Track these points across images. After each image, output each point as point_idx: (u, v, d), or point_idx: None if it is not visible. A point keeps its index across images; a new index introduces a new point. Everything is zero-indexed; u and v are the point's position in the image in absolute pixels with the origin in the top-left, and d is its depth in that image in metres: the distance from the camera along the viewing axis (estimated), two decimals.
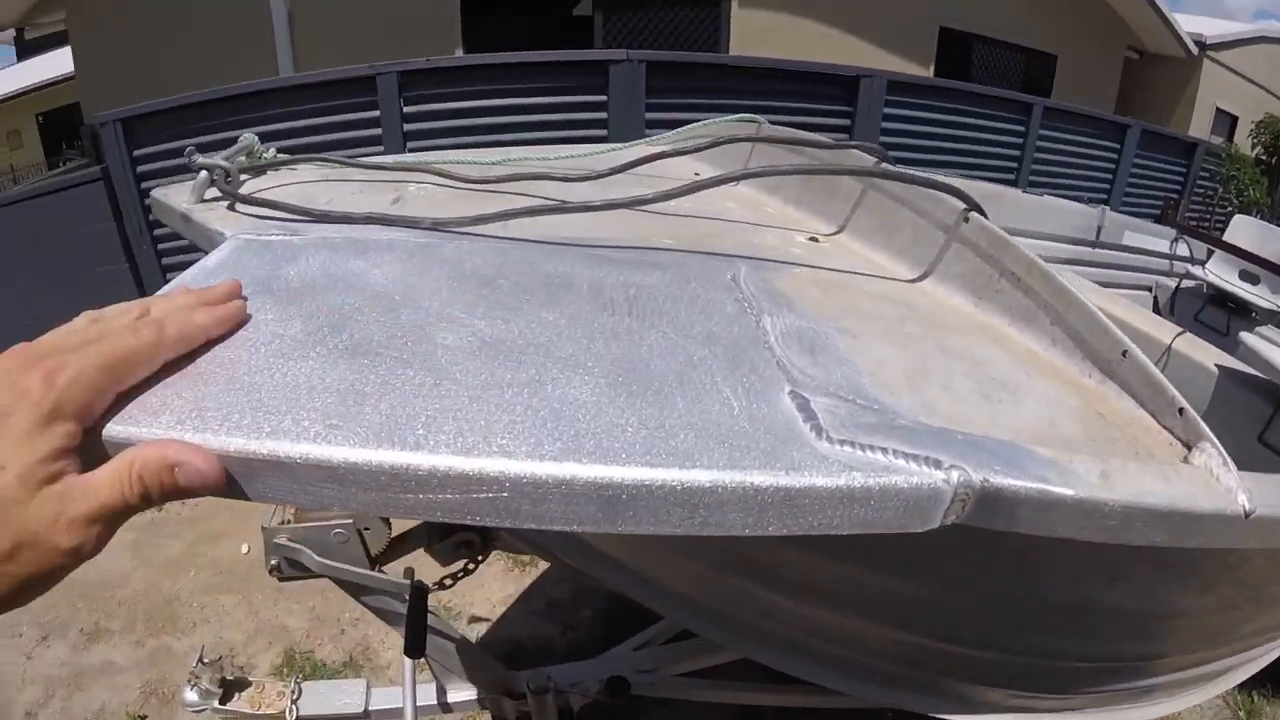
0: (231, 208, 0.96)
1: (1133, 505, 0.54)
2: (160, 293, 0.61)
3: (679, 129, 1.47)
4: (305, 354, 0.54)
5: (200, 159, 1.03)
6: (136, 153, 3.95)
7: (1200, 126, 10.16)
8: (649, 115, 3.90)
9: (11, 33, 10.47)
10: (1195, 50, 9.67)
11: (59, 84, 15.77)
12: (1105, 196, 5.36)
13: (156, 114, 3.92)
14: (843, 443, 0.47)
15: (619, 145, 1.39)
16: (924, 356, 0.67)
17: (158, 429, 0.46)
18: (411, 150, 3.79)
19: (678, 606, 1.21)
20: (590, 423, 0.47)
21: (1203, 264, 3.51)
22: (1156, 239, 3.79)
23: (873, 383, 0.57)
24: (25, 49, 17.38)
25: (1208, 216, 6.88)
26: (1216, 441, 0.64)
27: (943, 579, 0.79)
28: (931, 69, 7.35)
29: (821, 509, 0.44)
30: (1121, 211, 4.97)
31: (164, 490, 0.46)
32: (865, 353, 0.63)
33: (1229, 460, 0.63)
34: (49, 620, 2.95)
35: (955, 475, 0.47)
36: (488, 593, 2.96)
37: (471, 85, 3.85)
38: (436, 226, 0.84)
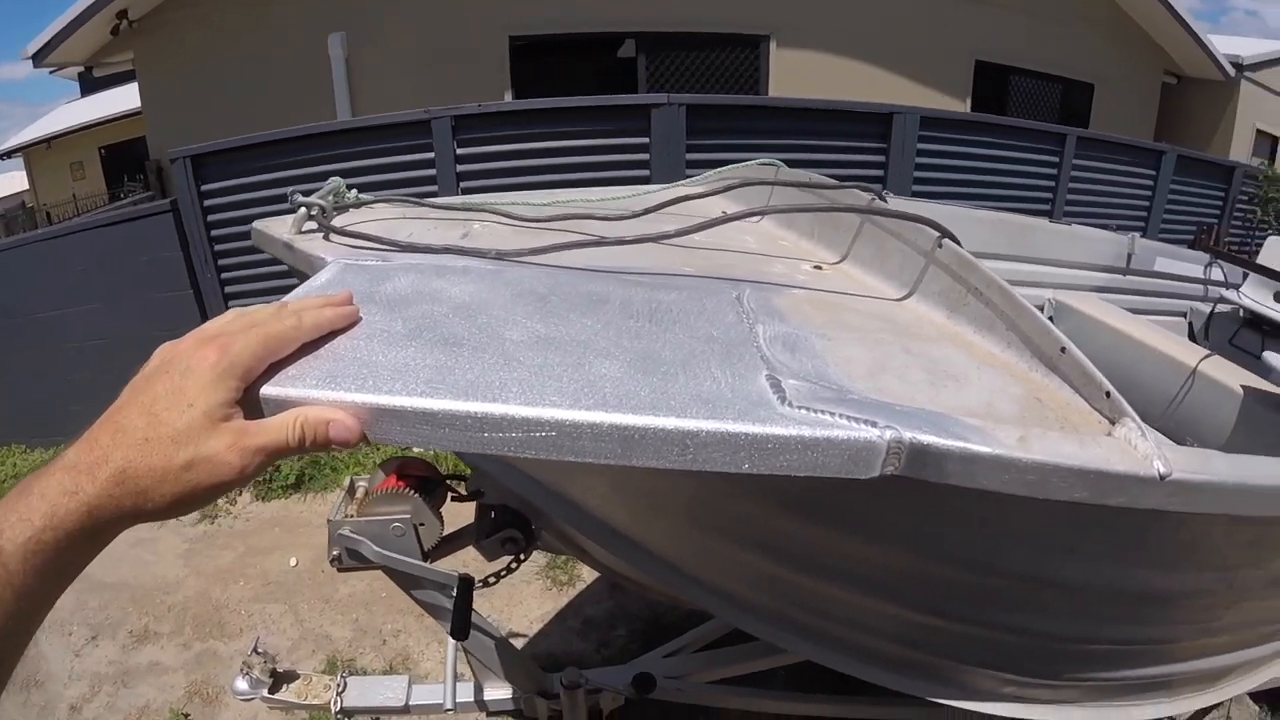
0: (327, 238, 1.11)
1: (1047, 463, 0.67)
2: (284, 299, 0.74)
3: (709, 172, 1.62)
4: (407, 343, 0.69)
5: (300, 198, 1.19)
6: (204, 187, 4.13)
7: (1241, 149, 9.95)
8: (690, 156, 4.03)
9: (76, 69, 11.05)
10: (1232, 71, 9.55)
11: (121, 119, 16.00)
12: (1143, 224, 5.37)
13: (224, 152, 4.11)
14: (801, 408, 0.63)
15: (656, 187, 1.56)
16: (888, 356, 0.82)
17: (301, 390, 0.59)
18: (465, 189, 3.96)
19: (692, 587, 1.29)
20: (615, 389, 0.62)
21: (1237, 288, 3.50)
22: (1190, 264, 3.77)
23: (837, 372, 0.74)
24: (88, 85, 17.67)
25: (1248, 240, 6.81)
26: (1136, 417, 0.76)
27: (918, 543, 0.92)
28: (968, 102, 7.42)
29: (781, 452, 0.59)
30: (1161, 238, 4.93)
31: (316, 440, 0.58)
32: (837, 352, 0.80)
33: (1147, 432, 0.75)
34: (99, 621, 3.02)
35: (888, 433, 0.62)
36: (525, 610, 3.00)
37: (520, 129, 4.00)
38: (501, 256, 1.01)
